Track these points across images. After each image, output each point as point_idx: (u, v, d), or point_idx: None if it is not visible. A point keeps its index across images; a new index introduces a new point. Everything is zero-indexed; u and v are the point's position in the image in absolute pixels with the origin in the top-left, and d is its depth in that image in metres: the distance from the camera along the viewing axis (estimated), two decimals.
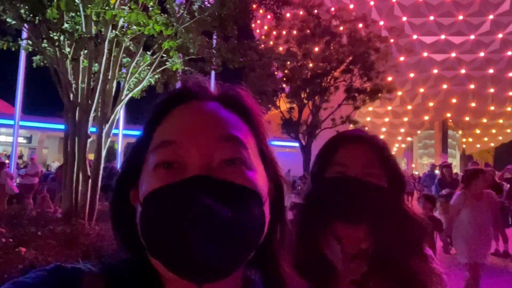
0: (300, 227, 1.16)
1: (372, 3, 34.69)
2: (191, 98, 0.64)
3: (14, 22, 6.97)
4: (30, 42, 7.73)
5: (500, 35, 33.89)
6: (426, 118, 39.17)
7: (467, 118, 39.03)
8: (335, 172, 1.15)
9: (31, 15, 6.48)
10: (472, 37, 34.36)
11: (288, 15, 24.36)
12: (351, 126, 27.50)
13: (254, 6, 9.98)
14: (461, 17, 33.89)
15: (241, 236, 0.55)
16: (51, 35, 6.73)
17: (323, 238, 1.14)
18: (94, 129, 7.42)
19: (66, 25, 6.82)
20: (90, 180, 7.16)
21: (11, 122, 22.00)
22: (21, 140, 26.98)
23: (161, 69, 8.55)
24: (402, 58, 32.08)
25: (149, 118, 0.65)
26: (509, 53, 34.21)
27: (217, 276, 0.54)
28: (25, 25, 6.99)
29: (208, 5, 8.36)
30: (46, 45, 7.15)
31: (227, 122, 0.61)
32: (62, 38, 6.81)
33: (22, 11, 6.61)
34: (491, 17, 33.43)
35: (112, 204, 0.65)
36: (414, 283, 1.08)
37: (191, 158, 0.57)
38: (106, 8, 6.34)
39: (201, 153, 0.57)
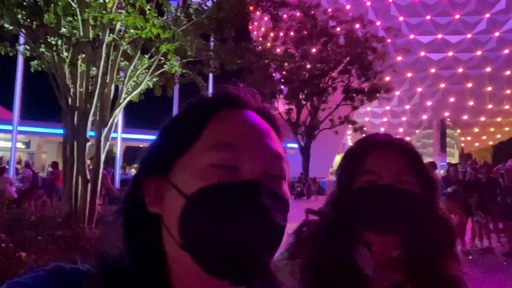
0: (328, 234, 1.13)
1: (368, 3, 34.76)
2: (238, 104, 0.65)
3: (11, 27, 6.96)
4: (27, 47, 7.72)
5: (497, 34, 33.97)
6: (424, 117, 39.22)
7: (465, 117, 39.09)
8: (366, 180, 1.10)
9: (28, 20, 6.48)
10: (469, 36, 34.44)
11: (285, 16, 24.37)
12: (350, 127, 27.57)
13: (251, 8, 9.99)
14: (457, 16, 33.97)
15: (280, 241, 0.60)
16: (49, 40, 6.72)
17: (352, 244, 1.11)
18: (92, 133, 7.41)
19: (63, 29, 6.81)
20: (89, 184, 7.15)
21: (9, 127, 21.92)
22: (19, 145, 26.93)
23: (159, 72, 8.54)
24: (399, 58, 32.14)
25: (195, 112, 0.64)
26: (506, 51, 34.28)
27: (252, 276, 0.57)
28: (23, 30, 6.98)
29: (206, 7, 8.38)
30: (43, 49, 7.15)
31: (277, 139, 0.66)
32: (59, 42, 6.81)
33: (19, 16, 6.60)
34: (487, 15, 33.52)
35: (127, 196, 0.64)
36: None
37: (248, 165, 0.59)
38: (103, 12, 6.34)
39: (258, 163, 0.60)
